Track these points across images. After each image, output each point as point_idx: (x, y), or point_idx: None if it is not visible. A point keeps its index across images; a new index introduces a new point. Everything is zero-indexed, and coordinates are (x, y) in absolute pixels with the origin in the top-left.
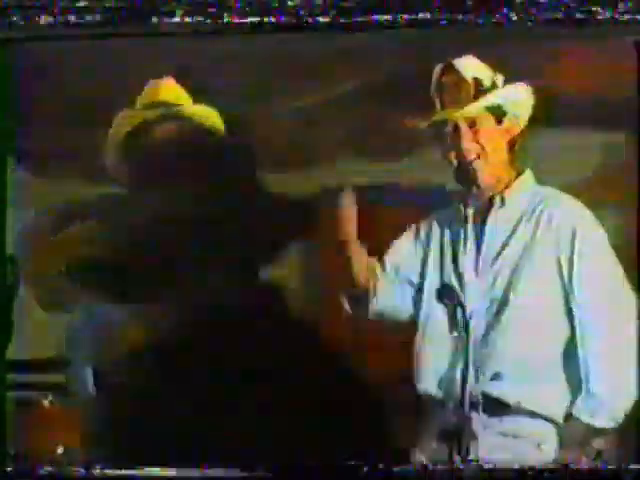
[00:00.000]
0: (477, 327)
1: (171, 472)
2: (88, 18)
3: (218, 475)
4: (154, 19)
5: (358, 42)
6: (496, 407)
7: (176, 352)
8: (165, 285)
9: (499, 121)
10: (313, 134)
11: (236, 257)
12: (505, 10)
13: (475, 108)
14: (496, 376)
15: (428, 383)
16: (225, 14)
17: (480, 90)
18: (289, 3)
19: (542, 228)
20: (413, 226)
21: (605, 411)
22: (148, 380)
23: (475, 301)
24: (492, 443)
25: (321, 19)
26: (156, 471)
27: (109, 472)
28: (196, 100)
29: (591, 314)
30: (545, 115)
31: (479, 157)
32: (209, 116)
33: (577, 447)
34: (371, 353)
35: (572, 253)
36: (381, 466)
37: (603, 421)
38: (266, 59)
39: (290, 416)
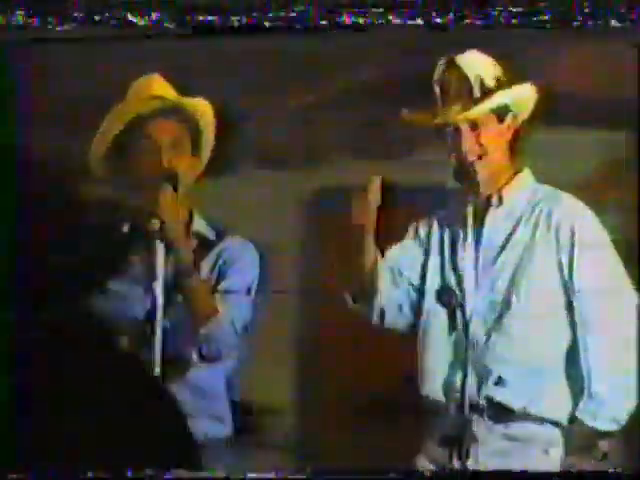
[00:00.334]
0: (478, 329)
1: None
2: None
3: None
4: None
5: (358, 42)
6: (501, 412)
7: None
8: None
9: (501, 120)
10: (312, 134)
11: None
12: (505, 10)
13: (479, 111)
14: (500, 380)
15: (431, 386)
16: (223, 13)
17: (483, 89)
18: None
19: (541, 228)
20: (413, 227)
21: (608, 413)
22: None
23: (475, 302)
24: (498, 448)
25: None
26: None
27: None
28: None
29: (592, 315)
30: (545, 114)
31: (480, 158)
32: (205, 110)
33: (582, 451)
34: (372, 354)
35: (572, 253)
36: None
37: (606, 423)
38: (264, 58)
39: None
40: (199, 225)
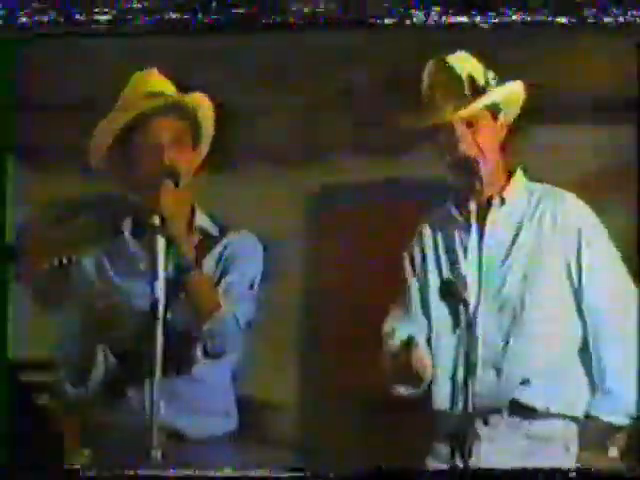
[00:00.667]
0: (492, 331)
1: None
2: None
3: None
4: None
5: (359, 40)
6: (523, 412)
7: None
8: None
9: (494, 118)
10: (312, 131)
11: None
12: (506, 9)
13: (473, 109)
14: (525, 381)
15: (438, 403)
16: (225, 10)
17: (474, 88)
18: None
19: (546, 228)
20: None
21: (623, 408)
22: None
23: (481, 301)
24: (519, 448)
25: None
26: None
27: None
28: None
29: (602, 313)
30: (544, 113)
31: (477, 157)
32: (203, 105)
33: (597, 446)
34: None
35: (579, 253)
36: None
37: (621, 418)
38: (266, 56)
39: None
40: (202, 220)
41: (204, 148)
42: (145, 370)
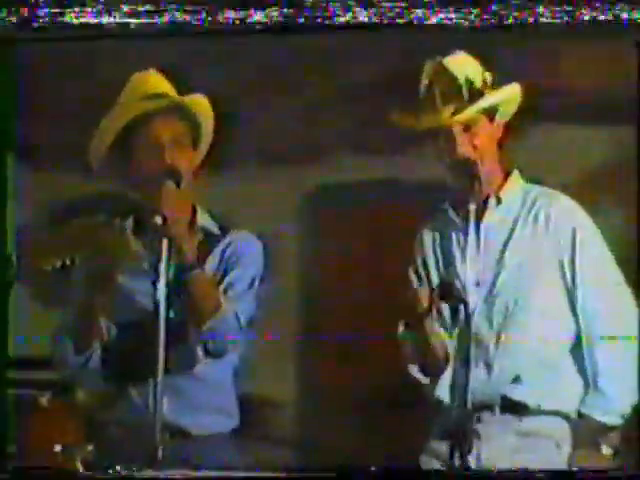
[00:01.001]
0: (485, 328)
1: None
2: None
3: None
4: (154, 18)
5: (358, 39)
6: (515, 409)
7: None
8: None
9: (491, 120)
10: (312, 130)
11: None
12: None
13: (470, 113)
14: (517, 378)
15: (440, 391)
16: (224, 11)
17: (472, 91)
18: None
19: (541, 228)
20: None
21: (615, 408)
22: None
23: (477, 300)
24: (510, 445)
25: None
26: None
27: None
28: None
29: (595, 312)
30: (545, 113)
31: (474, 159)
32: (203, 105)
33: (589, 446)
34: (373, 349)
35: (573, 254)
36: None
37: (614, 418)
38: (265, 56)
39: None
40: (204, 220)
41: (204, 148)
42: (148, 368)
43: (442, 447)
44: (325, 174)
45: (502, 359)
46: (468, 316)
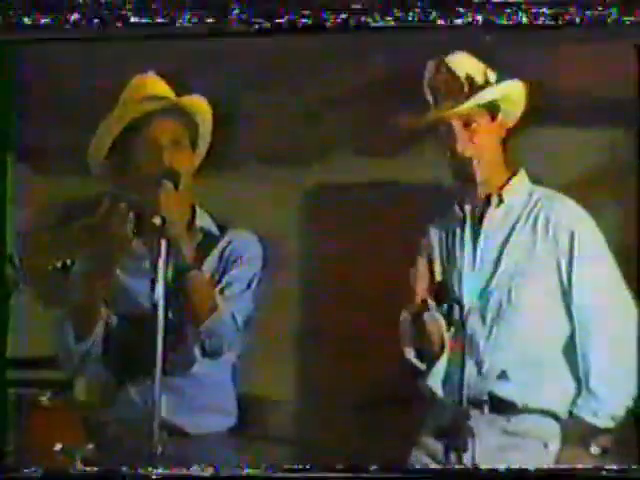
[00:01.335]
0: (477, 325)
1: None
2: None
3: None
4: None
5: (358, 40)
6: (502, 406)
7: None
8: None
9: (493, 118)
10: (313, 131)
11: None
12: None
13: (468, 106)
14: (503, 374)
15: (432, 380)
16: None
17: (473, 87)
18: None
19: (540, 229)
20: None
21: (607, 410)
22: None
23: (473, 299)
24: (497, 443)
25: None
26: None
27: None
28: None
29: (590, 315)
30: (544, 113)
31: (475, 156)
32: (201, 107)
33: (579, 446)
34: (372, 348)
35: (571, 256)
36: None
37: (605, 420)
38: (266, 57)
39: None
40: (203, 220)
41: (203, 149)
42: (146, 367)
43: (436, 444)
44: (325, 175)
45: (492, 356)
46: (463, 316)
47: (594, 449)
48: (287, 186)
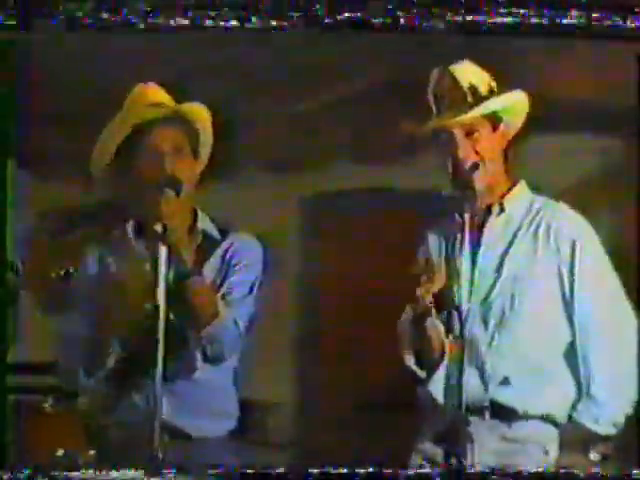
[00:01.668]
0: (479, 332)
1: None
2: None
3: None
4: (154, 20)
5: (357, 46)
6: (503, 413)
7: None
8: None
9: (495, 128)
10: (312, 138)
11: None
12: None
13: (471, 116)
14: (505, 381)
15: (433, 387)
16: (225, 16)
17: (476, 97)
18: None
19: (542, 238)
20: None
21: (609, 417)
22: None
23: (473, 305)
24: (498, 449)
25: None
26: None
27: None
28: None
29: (591, 322)
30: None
31: (476, 165)
32: (202, 115)
33: (578, 452)
34: (372, 352)
35: (572, 265)
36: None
37: (607, 427)
38: (266, 63)
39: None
40: (204, 223)
41: (204, 157)
42: (148, 373)
43: (435, 449)
44: (324, 182)
45: (494, 362)
46: (462, 323)
47: (594, 455)
48: (287, 193)
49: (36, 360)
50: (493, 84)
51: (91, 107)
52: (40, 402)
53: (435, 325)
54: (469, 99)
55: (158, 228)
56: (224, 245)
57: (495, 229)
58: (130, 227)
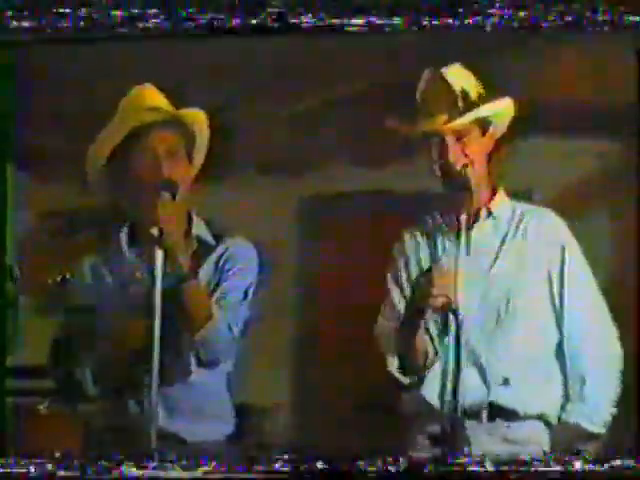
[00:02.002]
0: (476, 334)
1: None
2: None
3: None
4: (154, 21)
5: (355, 47)
6: (502, 414)
7: None
8: None
9: (484, 132)
10: (310, 141)
11: None
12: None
13: (463, 122)
14: (505, 382)
15: (429, 388)
16: (223, 16)
17: (467, 102)
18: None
19: (531, 241)
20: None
21: (601, 417)
22: None
23: (465, 310)
24: (497, 451)
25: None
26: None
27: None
28: (183, 105)
29: (581, 325)
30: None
31: (465, 169)
32: (199, 119)
33: (570, 451)
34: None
35: (562, 268)
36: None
37: (599, 427)
38: (264, 64)
39: None
40: (199, 229)
41: (200, 160)
42: (143, 377)
43: (433, 450)
44: (321, 184)
45: (492, 364)
46: (458, 325)
47: (585, 455)
48: (284, 195)
49: (32, 363)
50: (481, 89)
51: (91, 108)
52: (36, 404)
53: (421, 334)
54: (460, 104)
55: (154, 232)
56: (218, 250)
57: (484, 232)
58: (124, 234)
